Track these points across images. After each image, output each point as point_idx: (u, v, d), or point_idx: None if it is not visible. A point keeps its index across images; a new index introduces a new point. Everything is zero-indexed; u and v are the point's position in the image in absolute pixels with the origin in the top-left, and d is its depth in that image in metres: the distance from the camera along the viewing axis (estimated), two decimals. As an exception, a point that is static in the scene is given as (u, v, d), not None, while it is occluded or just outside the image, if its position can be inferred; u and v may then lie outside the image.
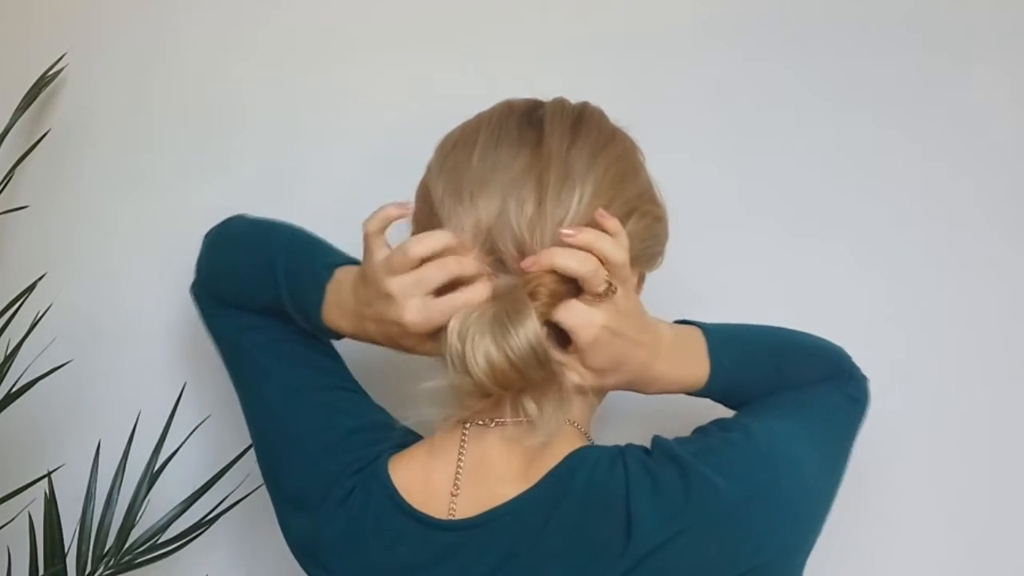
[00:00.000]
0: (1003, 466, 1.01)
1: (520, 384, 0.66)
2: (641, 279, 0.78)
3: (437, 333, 0.68)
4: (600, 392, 0.77)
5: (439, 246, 0.68)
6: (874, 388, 0.81)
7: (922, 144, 1.02)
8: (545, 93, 0.78)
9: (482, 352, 0.64)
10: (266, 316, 0.83)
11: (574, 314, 0.67)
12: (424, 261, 0.68)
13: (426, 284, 0.67)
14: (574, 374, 0.69)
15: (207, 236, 0.89)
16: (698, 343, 0.76)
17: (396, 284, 0.68)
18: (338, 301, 0.76)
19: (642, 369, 0.72)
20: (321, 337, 0.81)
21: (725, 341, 0.77)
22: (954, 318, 1.02)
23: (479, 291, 0.67)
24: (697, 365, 0.76)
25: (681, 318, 0.79)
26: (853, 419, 0.79)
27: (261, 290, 0.81)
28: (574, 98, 0.77)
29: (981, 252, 1.02)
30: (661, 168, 0.79)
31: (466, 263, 0.68)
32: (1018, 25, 1.01)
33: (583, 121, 0.74)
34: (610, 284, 0.67)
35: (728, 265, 1.04)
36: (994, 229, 1.01)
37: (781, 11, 1.04)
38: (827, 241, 1.03)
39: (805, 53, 1.03)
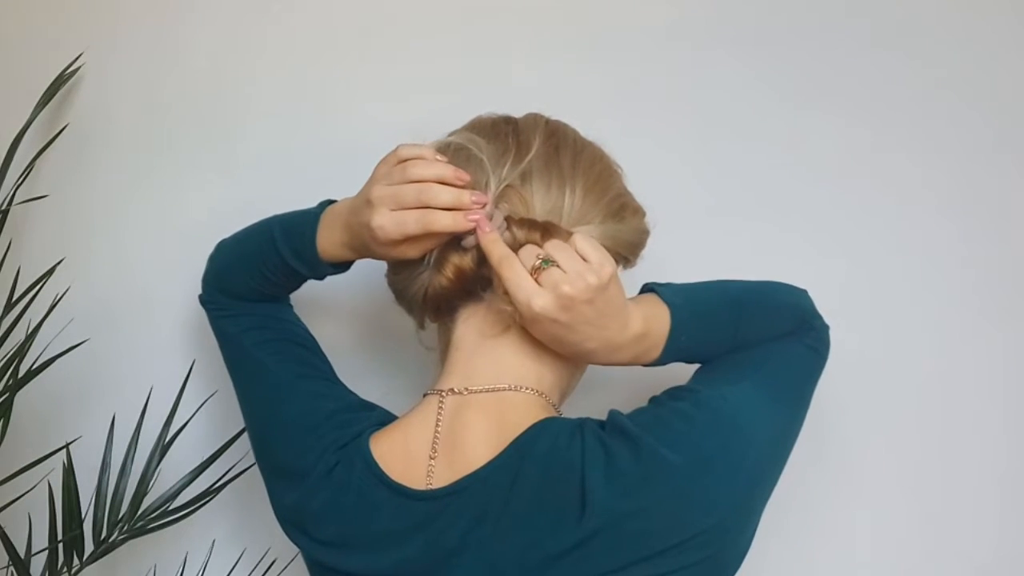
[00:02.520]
0: (955, 452, 1.04)
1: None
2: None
3: (405, 242, 0.72)
4: (569, 367, 0.79)
5: (424, 154, 0.72)
6: (828, 375, 0.80)
7: (874, 136, 1.05)
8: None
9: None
10: (266, 314, 0.88)
11: (514, 281, 0.68)
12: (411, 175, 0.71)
13: (399, 200, 0.71)
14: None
15: (208, 259, 0.94)
16: (661, 328, 0.74)
17: (376, 193, 0.71)
18: (330, 223, 0.79)
19: (592, 356, 0.74)
20: (320, 272, 0.83)
21: (688, 318, 0.75)
22: (907, 302, 1.04)
23: (447, 221, 0.70)
24: (653, 349, 0.75)
25: (650, 282, 0.78)
26: (812, 369, 0.78)
27: (263, 258, 0.85)
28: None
29: (931, 238, 1.04)
30: (626, 161, 0.81)
31: (442, 192, 0.70)
32: (962, 21, 1.04)
33: (557, 129, 0.79)
34: (545, 259, 0.68)
35: (691, 255, 1.03)
36: (943, 216, 1.04)
37: (742, 13, 1.06)
38: (785, 230, 1.06)
39: (766, 52, 1.06)
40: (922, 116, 1.05)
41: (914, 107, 1.05)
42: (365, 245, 0.75)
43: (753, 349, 0.76)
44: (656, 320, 0.75)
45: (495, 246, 0.70)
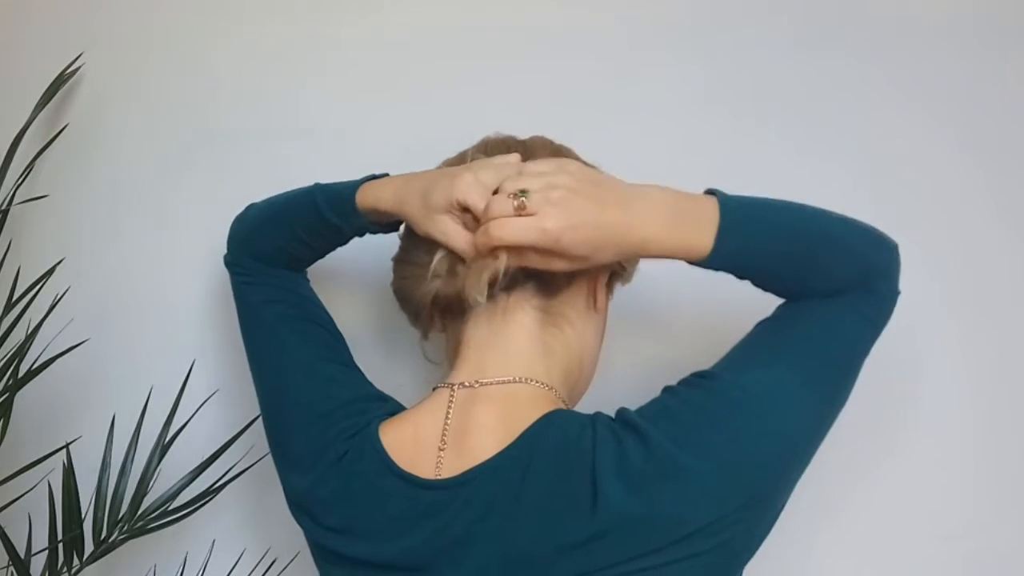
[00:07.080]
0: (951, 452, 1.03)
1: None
2: (611, 282, 0.82)
3: (460, 211, 0.73)
4: (586, 351, 0.80)
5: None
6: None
7: (818, 145, 1.04)
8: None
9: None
10: (288, 287, 0.88)
11: (516, 231, 0.69)
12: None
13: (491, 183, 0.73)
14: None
15: (235, 220, 0.94)
16: (706, 214, 0.71)
17: (483, 169, 0.73)
18: (382, 179, 0.82)
19: (622, 238, 0.70)
20: (353, 223, 0.84)
21: (743, 221, 0.71)
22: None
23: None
24: (697, 235, 0.70)
25: (710, 188, 0.73)
26: (861, 341, 0.73)
27: (298, 212, 0.86)
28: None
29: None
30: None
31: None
32: (901, 28, 1.03)
33: (561, 149, 0.82)
34: (517, 194, 0.69)
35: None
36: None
37: (676, 16, 1.06)
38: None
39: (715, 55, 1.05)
40: (869, 118, 1.04)
41: (859, 107, 1.04)
42: (413, 193, 0.76)
43: (796, 318, 0.73)
44: (696, 201, 0.71)
45: (469, 238, 0.73)
